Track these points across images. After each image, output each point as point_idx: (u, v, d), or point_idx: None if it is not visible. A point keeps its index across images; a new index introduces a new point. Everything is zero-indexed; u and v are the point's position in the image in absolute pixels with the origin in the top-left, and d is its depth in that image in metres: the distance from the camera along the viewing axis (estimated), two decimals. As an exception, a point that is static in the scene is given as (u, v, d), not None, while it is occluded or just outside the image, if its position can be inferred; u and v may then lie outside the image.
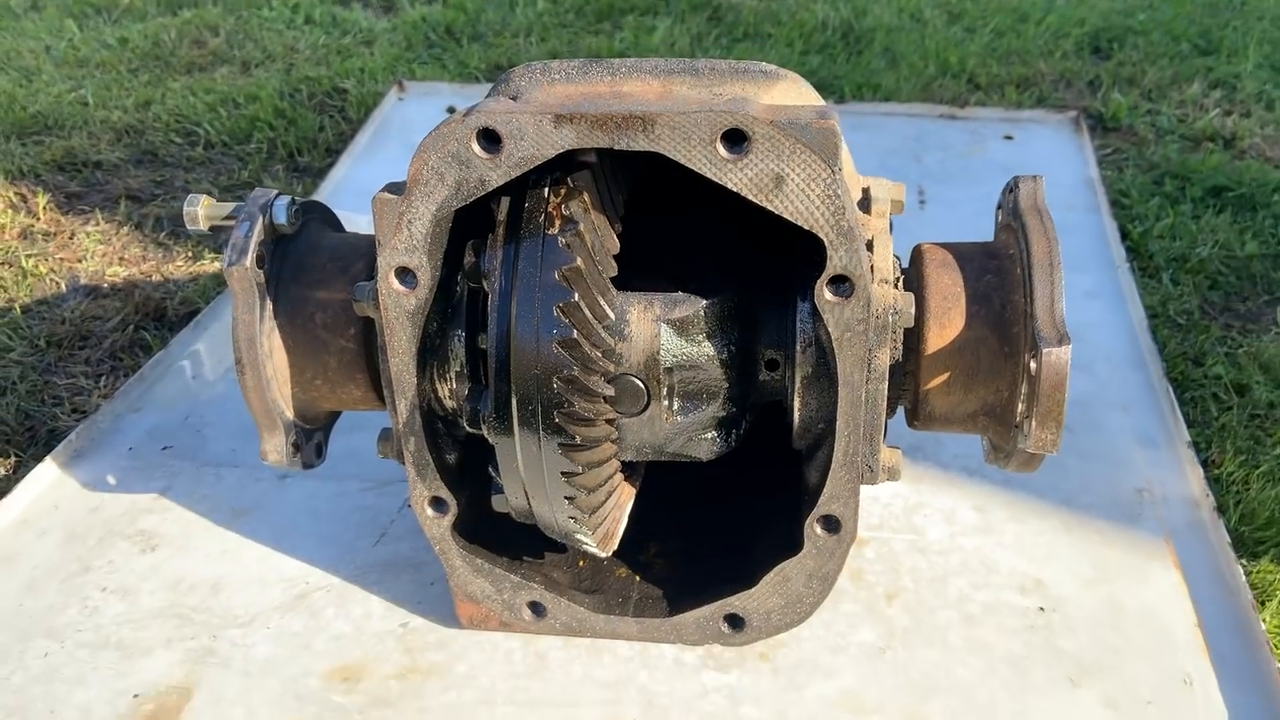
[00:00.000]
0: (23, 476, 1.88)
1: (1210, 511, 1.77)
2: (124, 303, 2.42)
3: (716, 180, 1.23)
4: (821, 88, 3.41)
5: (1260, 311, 2.37)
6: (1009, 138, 2.98)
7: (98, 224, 2.78)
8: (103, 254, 2.65)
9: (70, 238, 2.72)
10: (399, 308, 1.34)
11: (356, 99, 3.35)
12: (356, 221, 2.63)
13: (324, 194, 2.78)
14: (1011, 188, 1.47)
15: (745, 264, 1.43)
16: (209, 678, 1.52)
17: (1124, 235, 2.58)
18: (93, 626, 1.61)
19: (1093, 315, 2.28)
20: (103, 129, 3.22)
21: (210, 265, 2.58)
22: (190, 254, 2.63)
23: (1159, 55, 3.57)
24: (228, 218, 1.51)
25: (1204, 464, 1.90)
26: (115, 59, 3.66)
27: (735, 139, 1.22)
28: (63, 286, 2.51)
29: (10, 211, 2.81)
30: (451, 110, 3.21)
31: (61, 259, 2.63)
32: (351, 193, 2.81)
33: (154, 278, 2.55)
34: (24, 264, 2.59)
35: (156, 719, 1.46)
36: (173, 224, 2.77)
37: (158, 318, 2.39)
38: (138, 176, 3.00)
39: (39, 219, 2.79)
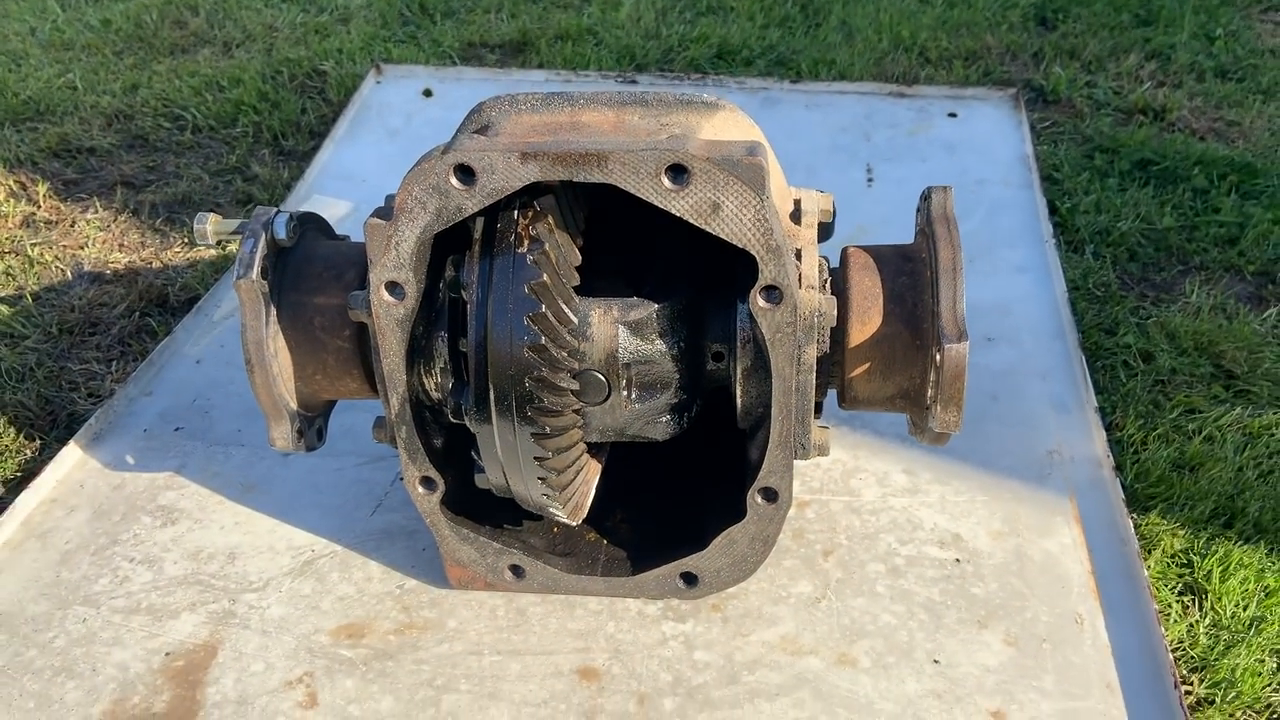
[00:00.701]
0: (48, 458, 2.08)
1: (1110, 470, 2.01)
2: (128, 289, 2.60)
3: (663, 208, 1.43)
4: (780, 63, 3.59)
5: (1173, 282, 2.59)
6: (953, 115, 3.17)
7: (96, 211, 2.94)
8: (103, 241, 2.82)
9: (71, 225, 2.89)
10: (389, 316, 1.54)
11: (336, 80, 3.50)
12: (340, 206, 2.82)
13: (310, 180, 2.95)
14: (926, 197, 1.68)
15: (692, 268, 1.63)
16: (231, 636, 1.74)
17: (1054, 210, 2.79)
18: (124, 594, 1.82)
19: (1021, 289, 2.50)
20: (93, 114, 3.36)
21: (206, 252, 2.76)
22: (186, 240, 2.81)
23: (1100, 26, 3.75)
24: (234, 233, 1.69)
25: (1108, 427, 2.14)
26: (100, 41, 3.78)
27: (678, 172, 1.42)
28: (68, 274, 2.69)
29: (11, 200, 2.97)
30: (428, 93, 3.37)
31: (65, 246, 2.80)
32: (335, 177, 2.99)
33: (154, 264, 2.72)
34: (30, 252, 2.76)
35: (187, 674, 1.69)
36: (167, 210, 2.93)
37: (160, 303, 2.58)
38: (130, 162, 3.16)
39: (40, 207, 2.95)
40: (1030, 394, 2.21)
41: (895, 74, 3.45)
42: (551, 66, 3.57)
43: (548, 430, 1.50)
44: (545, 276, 1.45)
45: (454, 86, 3.40)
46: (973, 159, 2.97)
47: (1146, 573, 1.80)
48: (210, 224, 1.69)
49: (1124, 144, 3.05)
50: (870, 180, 2.91)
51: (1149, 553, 1.91)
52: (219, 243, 1.70)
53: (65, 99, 3.42)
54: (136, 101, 3.42)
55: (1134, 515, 1.95)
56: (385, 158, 3.06)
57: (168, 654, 1.71)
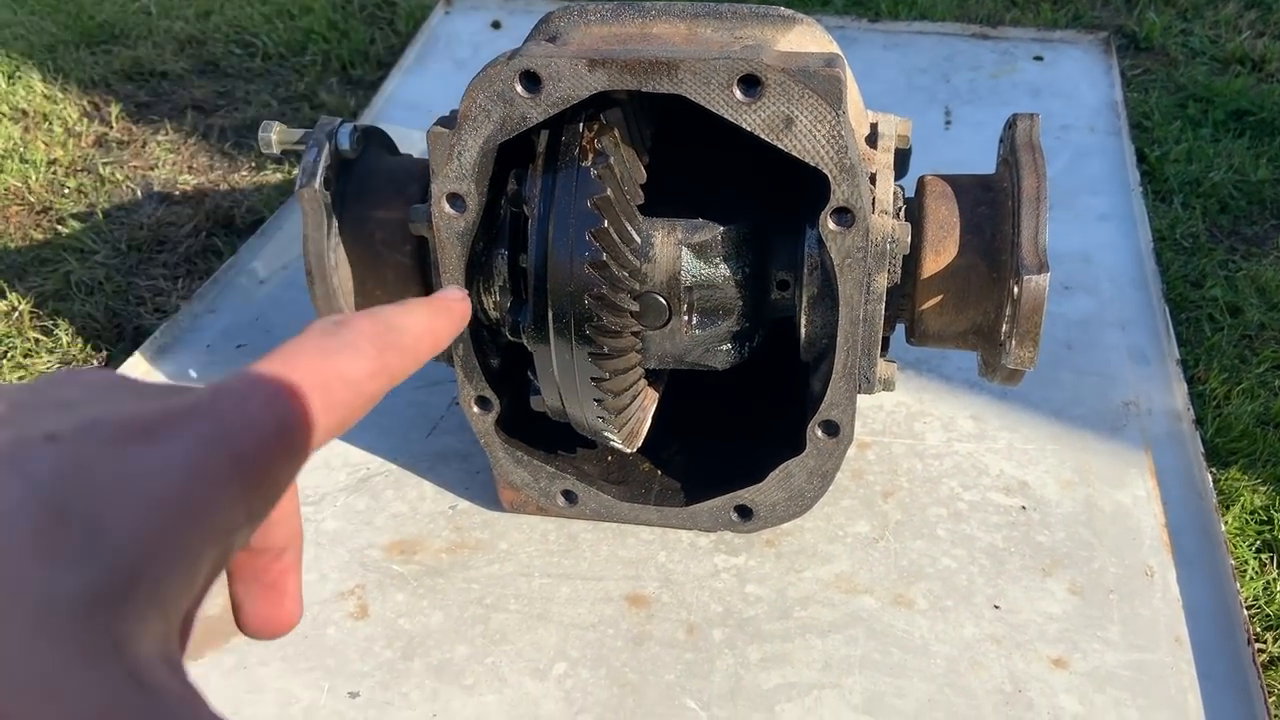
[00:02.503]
0: (114, 368, 2.11)
1: (1190, 424, 1.92)
2: (195, 210, 2.62)
3: (733, 121, 1.38)
4: (858, 2, 3.48)
5: (1265, 235, 2.47)
6: (1039, 58, 3.04)
7: (167, 133, 2.96)
8: (173, 163, 2.84)
9: (142, 146, 2.91)
10: (450, 229, 1.51)
11: (405, 11, 3.47)
12: (408, 135, 2.80)
13: (376, 108, 2.94)
14: (1010, 124, 1.60)
15: (760, 193, 1.58)
16: (285, 548, 1.74)
17: (1142, 158, 2.67)
18: (183, 502, 1.83)
19: (1103, 237, 2.40)
20: (166, 39, 3.38)
21: (272, 177, 2.76)
22: (253, 164, 2.81)
23: (1199, -28, 3.57)
24: (298, 143, 1.68)
25: (1190, 380, 2.05)
26: (175, -32, 3.79)
27: (750, 83, 1.36)
28: (138, 194, 2.71)
29: (85, 120, 3.00)
30: (496, 25, 3.32)
31: (135, 167, 2.82)
32: (402, 106, 2.97)
33: (221, 186, 2.73)
34: (101, 171, 2.78)
35: (241, 581, 1.70)
36: (236, 135, 2.94)
37: (226, 225, 2.59)
38: (201, 87, 3.17)
39: (112, 127, 2.98)
40: (1108, 344, 2.12)
41: (979, 15, 3.32)
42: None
43: (606, 350, 1.46)
44: (609, 191, 1.40)
45: (523, 19, 3.35)
46: (1058, 104, 2.85)
47: (1223, 528, 1.72)
48: (275, 132, 1.68)
49: (1219, 93, 2.91)
50: (948, 123, 2.81)
51: (1227, 508, 1.83)
52: (283, 152, 1.68)
53: (139, 23, 3.44)
54: (209, 27, 3.42)
55: (1213, 470, 1.86)
56: (452, 88, 3.02)
57: (223, 562, 1.72)
